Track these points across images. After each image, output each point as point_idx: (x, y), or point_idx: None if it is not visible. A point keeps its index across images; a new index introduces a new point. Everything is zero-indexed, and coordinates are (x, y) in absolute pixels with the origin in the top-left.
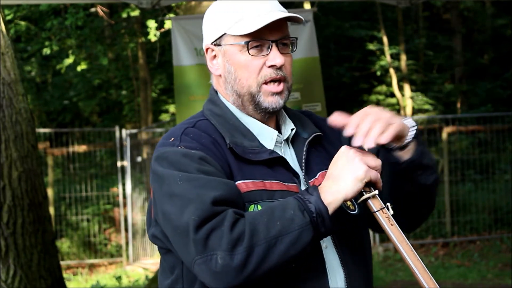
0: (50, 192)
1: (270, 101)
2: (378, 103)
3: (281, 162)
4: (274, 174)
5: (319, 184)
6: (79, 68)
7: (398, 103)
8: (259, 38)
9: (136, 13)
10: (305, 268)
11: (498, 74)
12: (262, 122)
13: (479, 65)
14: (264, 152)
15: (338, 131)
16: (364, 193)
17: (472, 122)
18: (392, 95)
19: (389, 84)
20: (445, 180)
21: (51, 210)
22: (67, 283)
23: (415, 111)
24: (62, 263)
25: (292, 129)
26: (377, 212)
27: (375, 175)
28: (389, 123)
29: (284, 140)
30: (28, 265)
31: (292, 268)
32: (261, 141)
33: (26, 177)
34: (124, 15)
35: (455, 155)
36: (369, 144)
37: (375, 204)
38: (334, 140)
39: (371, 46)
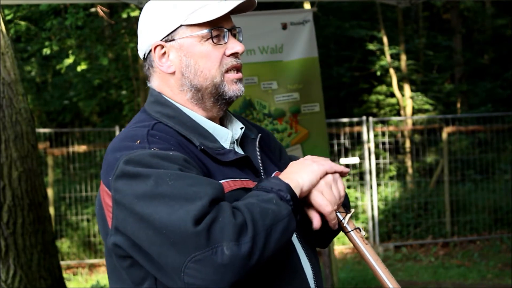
0: (50, 192)
1: (235, 89)
2: (378, 103)
3: (245, 161)
4: (242, 173)
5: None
6: (79, 68)
7: (398, 103)
8: (219, 27)
9: (136, 13)
10: (286, 270)
11: (498, 74)
12: (213, 121)
13: (479, 65)
14: (229, 153)
15: (266, 131)
16: (339, 215)
17: (472, 122)
18: (392, 95)
19: (389, 84)
20: (445, 180)
21: (51, 210)
22: (67, 283)
23: (415, 111)
24: (62, 263)
25: (241, 128)
26: (351, 232)
27: (328, 166)
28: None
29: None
30: (28, 265)
31: (275, 271)
32: None
33: (26, 177)
34: (124, 15)
35: (455, 155)
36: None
37: (349, 225)
38: (265, 138)
39: (371, 46)
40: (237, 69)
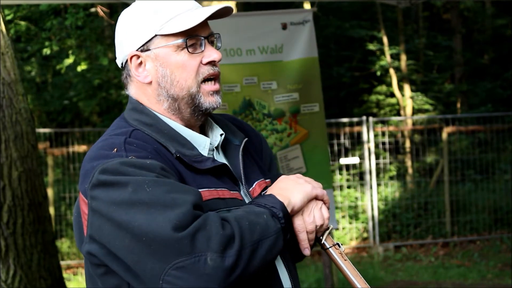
0: (50, 192)
1: (211, 101)
2: (378, 103)
3: (223, 170)
4: (219, 182)
5: (263, 192)
6: (79, 68)
7: (398, 103)
8: (194, 35)
9: None
10: (265, 282)
11: (498, 74)
12: (191, 129)
13: (479, 65)
14: (207, 161)
15: (259, 136)
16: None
17: (472, 122)
18: (392, 95)
19: (389, 84)
20: (445, 180)
21: (51, 210)
22: (67, 283)
23: (415, 111)
24: (62, 263)
25: (221, 135)
26: (330, 249)
27: (320, 192)
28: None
29: (214, 147)
30: (28, 265)
31: (253, 283)
32: None
33: (26, 177)
34: None
35: (455, 155)
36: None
37: (328, 241)
38: (256, 144)
39: (371, 46)
40: (215, 77)
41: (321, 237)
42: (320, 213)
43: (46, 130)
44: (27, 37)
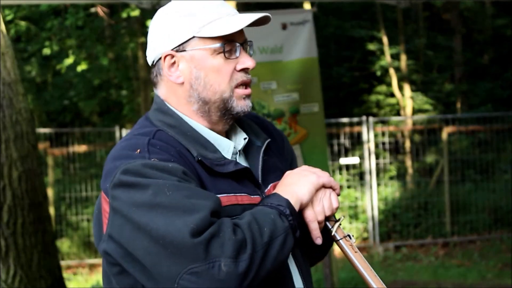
0: (50, 192)
1: (242, 104)
2: (378, 103)
3: (245, 173)
4: (240, 186)
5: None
6: (79, 68)
7: (398, 103)
8: (231, 41)
9: (136, 13)
10: (276, 285)
11: (498, 74)
12: (216, 132)
13: (479, 65)
14: (229, 164)
15: (281, 134)
16: (328, 224)
17: (472, 122)
18: (392, 95)
19: (389, 84)
20: (445, 180)
21: (51, 210)
22: (67, 283)
23: (415, 111)
24: (62, 263)
25: (244, 139)
26: (340, 241)
27: (327, 179)
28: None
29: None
30: (28, 265)
31: (264, 285)
32: None
33: (26, 177)
34: (124, 15)
35: (455, 155)
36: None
37: (338, 233)
38: (279, 142)
39: (371, 46)
40: (246, 84)
41: (331, 229)
42: (329, 202)
43: (46, 130)
44: (27, 37)
